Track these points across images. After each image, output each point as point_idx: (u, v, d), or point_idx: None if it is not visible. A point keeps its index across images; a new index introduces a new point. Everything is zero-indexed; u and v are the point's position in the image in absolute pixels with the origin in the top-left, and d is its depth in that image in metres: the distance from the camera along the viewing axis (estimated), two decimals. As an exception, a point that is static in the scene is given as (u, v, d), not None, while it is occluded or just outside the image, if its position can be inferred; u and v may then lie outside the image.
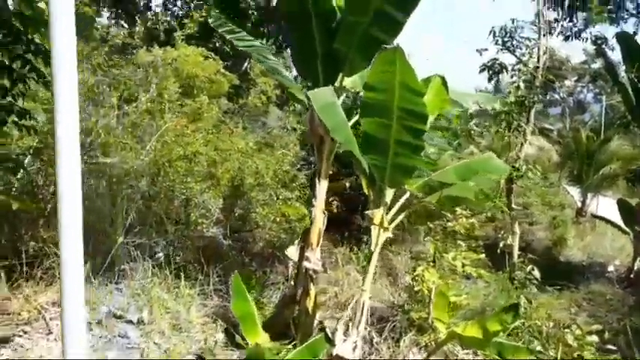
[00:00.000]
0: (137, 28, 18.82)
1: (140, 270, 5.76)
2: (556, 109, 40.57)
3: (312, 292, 5.05)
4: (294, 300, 5.16)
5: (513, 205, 8.35)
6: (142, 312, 5.25)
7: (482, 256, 6.94)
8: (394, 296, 7.93)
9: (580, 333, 4.22)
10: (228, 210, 7.36)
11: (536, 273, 7.39)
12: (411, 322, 6.39)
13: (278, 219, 7.79)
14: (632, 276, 12.87)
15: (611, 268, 14.09)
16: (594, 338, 4.11)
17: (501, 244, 8.41)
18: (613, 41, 13.22)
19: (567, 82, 36.65)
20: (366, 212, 4.23)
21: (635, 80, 12.78)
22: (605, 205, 19.74)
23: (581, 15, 11.23)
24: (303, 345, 4.12)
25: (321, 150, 5.02)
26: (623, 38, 13.00)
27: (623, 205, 13.89)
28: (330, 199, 8.31)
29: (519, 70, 8.33)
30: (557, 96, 36.99)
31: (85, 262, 5.49)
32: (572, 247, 16.51)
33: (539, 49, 8.26)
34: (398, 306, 7.08)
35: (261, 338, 3.95)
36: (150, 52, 13.46)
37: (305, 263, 5.05)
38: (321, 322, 5.29)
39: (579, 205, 21.11)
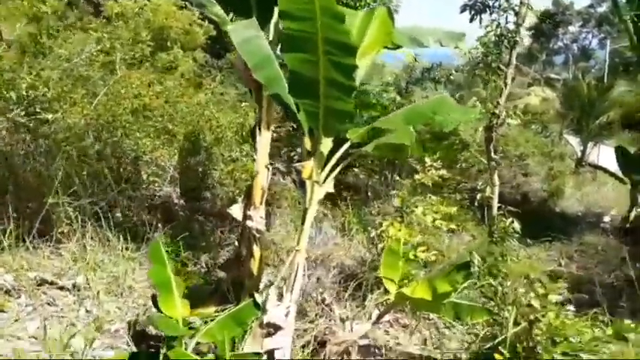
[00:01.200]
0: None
1: (80, 232, 5.37)
2: (562, 58, 39.22)
3: (257, 252, 4.63)
4: (237, 262, 4.76)
5: (493, 155, 7.80)
6: (78, 277, 4.89)
7: (454, 209, 6.49)
8: (369, 253, 7.58)
9: (543, 292, 3.78)
10: (183, 167, 6.89)
11: (516, 225, 6.93)
12: (378, 280, 6.04)
13: (243, 176, 7.33)
14: (627, 226, 12.43)
15: (606, 219, 13.65)
16: (557, 297, 3.67)
17: (479, 197, 7.93)
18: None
19: (571, 28, 35.15)
20: (295, 165, 3.73)
21: (635, 19, 11.91)
22: (607, 155, 19.11)
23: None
24: (228, 313, 3.73)
25: (259, 95, 4.49)
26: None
27: (620, 153, 13.28)
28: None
29: (499, 6, 7.58)
30: (560, 43, 35.60)
31: (18, 227, 5.09)
32: (569, 197, 16.05)
33: (522, -19, 7.49)
34: (366, 263, 6.73)
35: (177, 308, 3.55)
36: (118, 2, 12.71)
37: (248, 222, 4.62)
38: (271, 283, 4.89)
39: (579, 154, 20.50)
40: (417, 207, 6.28)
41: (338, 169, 3.83)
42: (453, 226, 6.27)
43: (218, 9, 4.53)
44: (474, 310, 4.07)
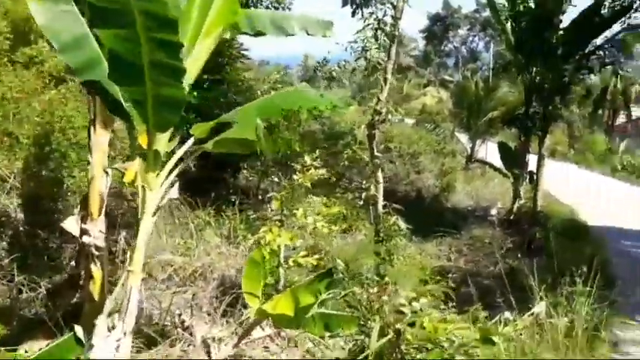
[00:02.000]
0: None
1: None
2: (454, 60, 41.58)
3: (97, 273, 3.91)
4: (74, 285, 4.02)
5: (376, 153, 7.64)
6: None
7: (337, 209, 6.17)
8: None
9: (409, 298, 3.46)
10: (28, 175, 5.89)
11: (401, 223, 6.81)
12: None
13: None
14: (511, 217, 13.07)
15: (493, 212, 14.29)
16: (423, 302, 3.37)
17: (363, 195, 7.74)
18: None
19: (460, 31, 37.42)
20: (116, 165, 3.11)
21: (512, 21, 12.60)
22: (494, 151, 20.23)
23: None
24: (41, 352, 3.02)
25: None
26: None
27: (502, 149, 13.99)
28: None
29: (378, -1, 7.45)
30: (451, 46, 37.68)
31: None
32: (460, 192, 16.66)
33: (399, -25, 7.38)
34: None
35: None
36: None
37: (84, 238, 3.89)
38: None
39: (469, 151, 21.53)
40: (297, 210, 5.85)
41: (176, 171, 3.24)
42: (334, 227, 5.90)
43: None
44: (343, 320, 3.70)
